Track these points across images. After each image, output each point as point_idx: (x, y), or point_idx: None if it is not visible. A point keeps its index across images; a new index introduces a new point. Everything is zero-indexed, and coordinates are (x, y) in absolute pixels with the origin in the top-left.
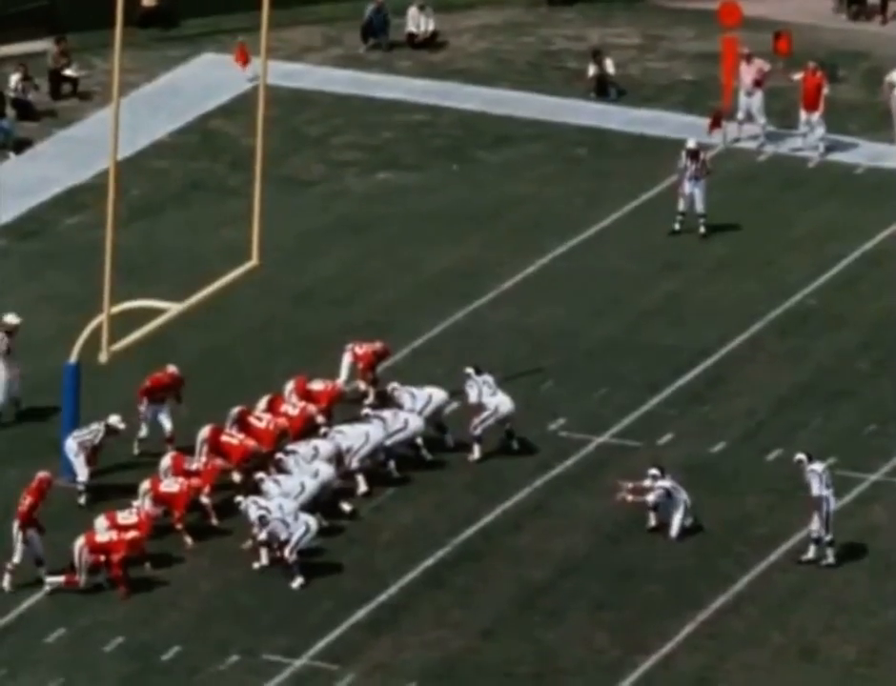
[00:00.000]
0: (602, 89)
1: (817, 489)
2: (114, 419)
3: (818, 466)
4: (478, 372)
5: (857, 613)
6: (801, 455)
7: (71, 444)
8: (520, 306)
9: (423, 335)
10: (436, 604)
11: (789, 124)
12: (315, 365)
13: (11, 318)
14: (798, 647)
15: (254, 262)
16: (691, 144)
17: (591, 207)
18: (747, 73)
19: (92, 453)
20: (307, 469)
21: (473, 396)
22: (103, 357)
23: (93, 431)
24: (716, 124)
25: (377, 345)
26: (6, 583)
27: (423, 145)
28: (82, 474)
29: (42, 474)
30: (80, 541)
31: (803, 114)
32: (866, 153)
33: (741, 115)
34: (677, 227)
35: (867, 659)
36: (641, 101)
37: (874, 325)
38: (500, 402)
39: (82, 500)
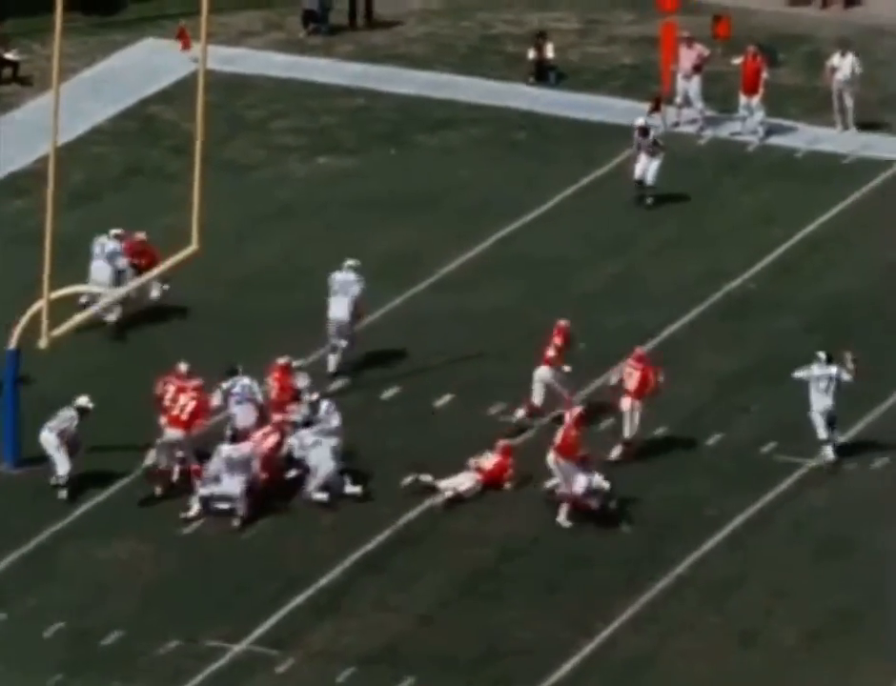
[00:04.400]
0: (542, 73)
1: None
2: (83, 400)
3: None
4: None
5: (797, 597)
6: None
7: (49, 437)
8: (461, 291)
9: (363, 321)
10: (377, 588)
11: (729, 108)
12: (252, 352)
13: None
14: (737, 631)
15: (194, 247)
16: (640, 121)
17: (532, 191)
18: (686, 58)
19: (73, 443)
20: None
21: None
22: (43, 343)
23: (67, 418)
24: (656, 108)
25: None
26: None
27: (363, 129)
28: (63, 468)
29: None
30: None
31: (742, 99)
32: (806, 137)
33: (679, 100)
34: (648, 201)
35: (806, 645)
36: (582, 86)
37: (814, 309)
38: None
39: (63, 495)
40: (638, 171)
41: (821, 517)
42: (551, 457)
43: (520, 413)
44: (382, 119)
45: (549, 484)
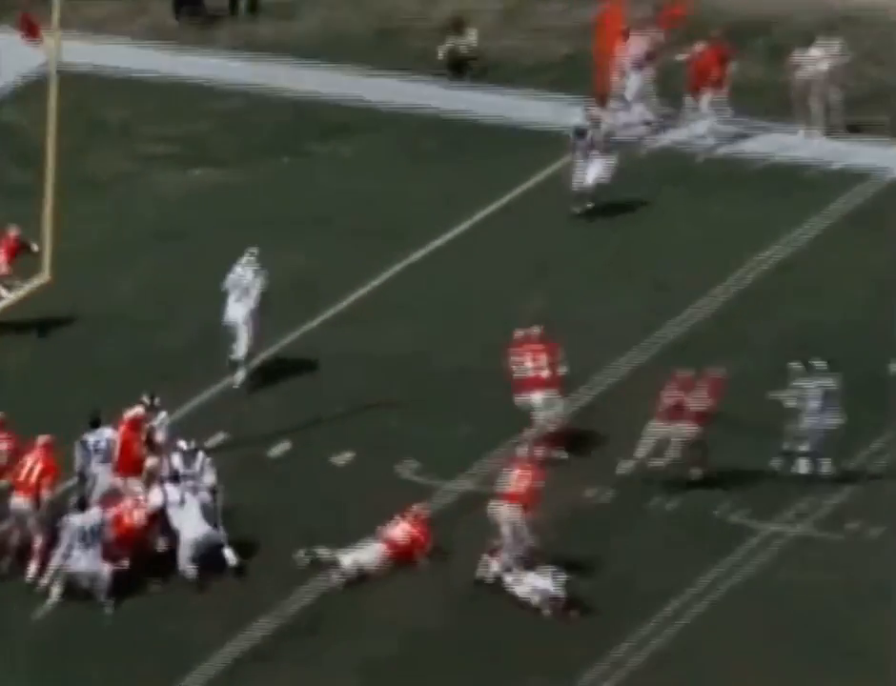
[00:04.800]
0: (458, 68)
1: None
2: None
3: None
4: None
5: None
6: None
7: None
8: (362, 328)
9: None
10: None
11: (677, 108)
12: (116, 399)
13: None
14: None
15: (45, 277)
16: (576, 120)
17: (446, 209)
18: (632, 48)
19: None
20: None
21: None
22: None
23: None
24: (600, 103)
25: None
26: None
27: (246, 136)
28: None
29: None
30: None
31: (692, 97)
32: (769, 144)
33: (622, 99)
34: (577, 210)
35: None
36: (505, 82)
37: (777, 347)
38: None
39: None
40: (577, 180)
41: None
42: (504, 510)
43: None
44: (268, 124)
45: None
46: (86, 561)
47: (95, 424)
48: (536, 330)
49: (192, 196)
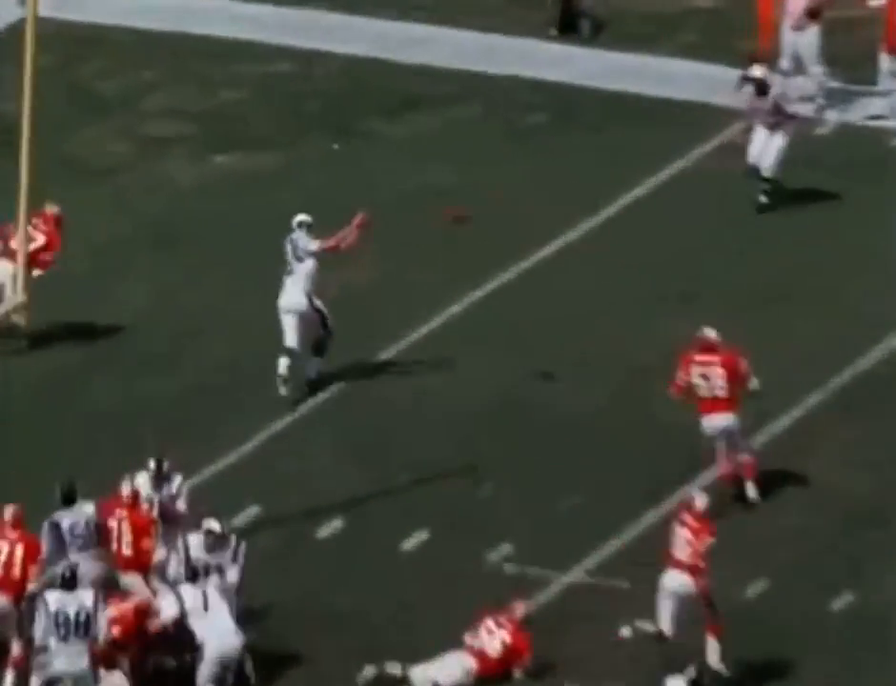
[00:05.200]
0: (570, 22)
1: None
2: None
3: None
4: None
5: None
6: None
7: None
8: (440, 363)
9: (290, 414)
10: None
11: (863, 77)
12: (105, 460)
13: None
14: None
15: (19, 298)
16: (756, 71)
17: (552, 206)
18: (790, 3)
19: None
20: None
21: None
22: None
23: None
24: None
25: None
26: None
27: (285, 111)
28: None
29: None
30: None
31: (885, 60)
32: None
33: (786, 63)
34: (763, 199)
35: None
36: (631, 42)
37: None
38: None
39: None
40: (754, 151)
41: None
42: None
43: None
44: (316, 95)
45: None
46: (66, 659)
47: (70, 499)
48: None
49: (211, 190)
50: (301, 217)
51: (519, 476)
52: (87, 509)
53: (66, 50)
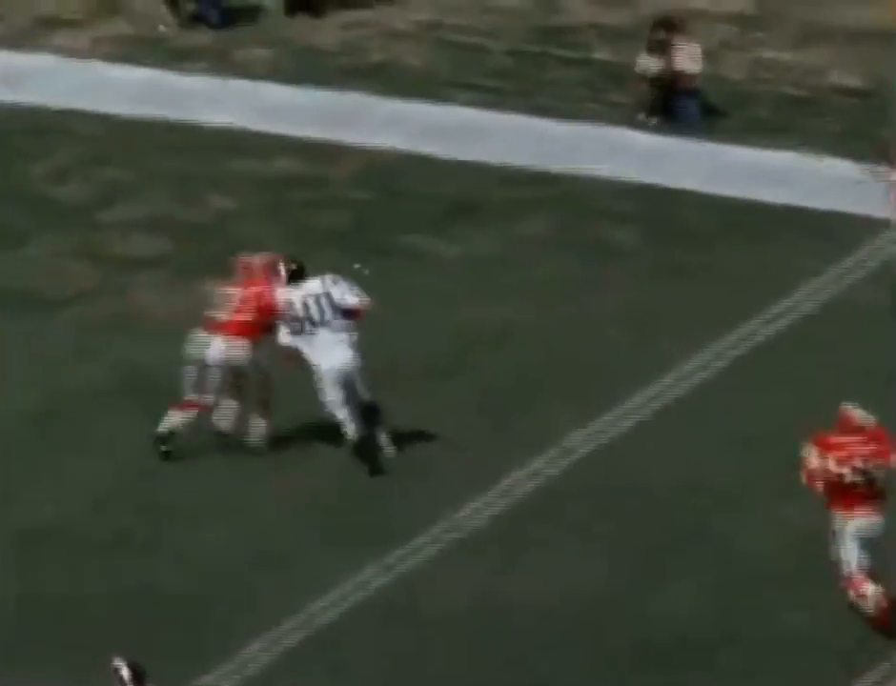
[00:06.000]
0: (669, 103)
1: None
2: None
3: None
4: None
5: None
6: None
7: None
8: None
9: None
10: None
11: None
12: None
13: None
14: None
15: None
16: None
17: (649, 344)
18: None
19: None
20: None
21: None
22: None
23: None
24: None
25: None
26: None
27: (293, 222)
28: None
29: None
30: None
31: None
32: None
33: None
34: None
35: None
36: (755, 130)
37: None
38: None
39: None
40: None
41: None
42: None
43: None
44: (336, 202)
45: None
46: None
47: None
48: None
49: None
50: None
51: None
52: None
53: (9, 144)
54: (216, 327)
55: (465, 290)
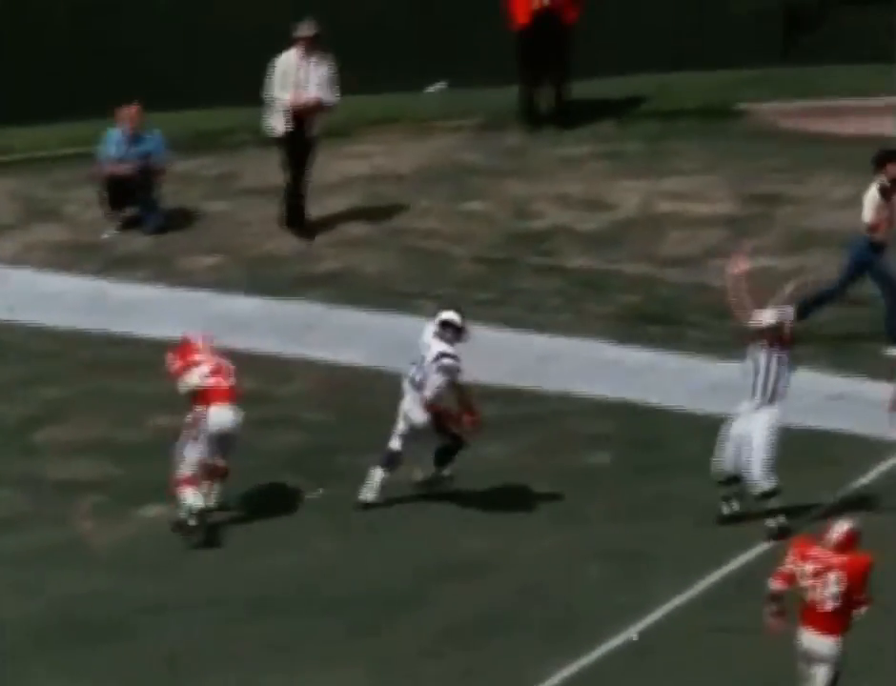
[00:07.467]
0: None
1: None
2: None
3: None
4: None
5: None
6: None
7: None
8: None
9: None
10: None
11: None
12: None
13: None
14: None
15: None
16: None
17: (626, 589)
18: None
19: None
20: None
21: None
22: None
23: None
24: None
25: None
26: None
27: (244, 448)
28: None
29: None
30: None
31: None
32: None
33: None
34: None
35: None
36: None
37: None
38: None
39: None
40: None
41: None
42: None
43: None
44: (288, 421)
45: None
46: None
47: None
48: None
49: (141, 559)
50: (448, 316)
51: None
52: None
53: None
54: (218, 395)
55: (442, 532)
